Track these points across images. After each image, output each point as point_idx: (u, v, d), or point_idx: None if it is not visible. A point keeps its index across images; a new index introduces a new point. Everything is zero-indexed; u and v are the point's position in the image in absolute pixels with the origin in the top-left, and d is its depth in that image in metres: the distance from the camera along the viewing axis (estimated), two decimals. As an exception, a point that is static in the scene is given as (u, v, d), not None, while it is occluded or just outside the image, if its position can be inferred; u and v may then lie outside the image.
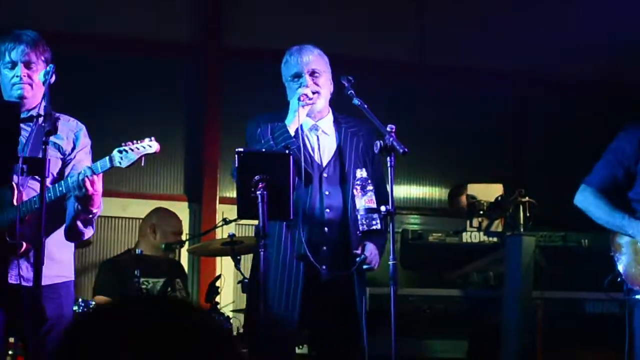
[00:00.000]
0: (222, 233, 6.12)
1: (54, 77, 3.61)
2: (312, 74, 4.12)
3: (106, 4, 6.84)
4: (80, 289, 6.57)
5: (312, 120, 4.15)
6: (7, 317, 3.69)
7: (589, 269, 5.38)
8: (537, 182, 7.13)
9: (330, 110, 4.22)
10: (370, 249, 3.98)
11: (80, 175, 3.52)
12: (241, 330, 5.27)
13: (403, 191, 7.21)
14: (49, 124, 3.36)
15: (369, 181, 3.91)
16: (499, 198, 5.77)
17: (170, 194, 6.84)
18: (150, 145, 3.62)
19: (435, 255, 5.74)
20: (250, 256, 4.95)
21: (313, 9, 7.26)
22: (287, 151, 3.85)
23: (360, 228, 3.86)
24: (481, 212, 5.69)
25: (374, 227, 3.84)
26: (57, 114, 3.56)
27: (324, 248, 3.97)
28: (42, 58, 3.76)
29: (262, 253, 3.66)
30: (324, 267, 3.95)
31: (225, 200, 6.73)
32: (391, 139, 3.78)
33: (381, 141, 3.81)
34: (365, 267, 3.97)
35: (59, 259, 3.74)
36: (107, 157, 3.57)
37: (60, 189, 3.57)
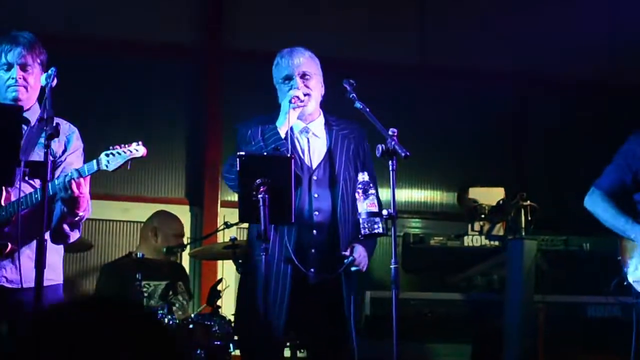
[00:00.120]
0: (224, 236, 6.11)
1: (55, 80, 3.58)
2: (303, 76, 4.11)
3: (106, 5, 6.83)
4: (82, 292, 6.56)
5: (303, 122, 4.15)
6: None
7: (590, 273, 5.39)
8: (538, 183, 7.13)
9: (322, 113, 4.22)
10: (359, 251, 3.98)
11: (66, 177, 3.53)
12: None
13: (404, 195, 7.19)
14: (51, 128, 3.35)
15: (371, 185, 3.90)
16: (501, 202, 5.78)
17: (172, 198, 6.82)
18: (137, 149, 3.63)
19: (437, 259, 5.74)
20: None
21: (313, 9, 7.25)
22: (288, 154, 3.84)
23: (362, 232, 3.84)
24: (483, 216, 5.69)
25: (376, 231, 3.82)
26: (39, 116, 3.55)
27: (313, 251, 3.98)
28: (38, 61, 3.75)
29: (263, 257, 3.66)
30: (312, 269, 3.95)
31: (226, 204, 6.71)
32: (393, 143, 3.77)
33: (383, 145, 3.79)
34: (353, 269, 3.96)
35: (47, 262, 3.72)
36: (94, 160, 3.59)
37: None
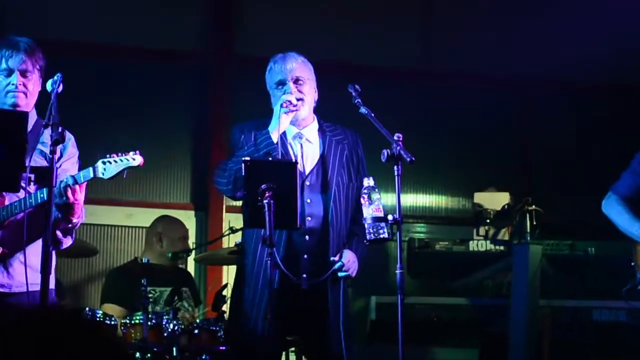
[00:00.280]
0: (229, 242, 6.11)
1: (61, 86, 3.57)
2: (296, 81, 4.09)
3: (115, 12, 6.84)
4: (87, 298, 6.58)
5: (297, 128, 4.13)
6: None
7: (596, 277, 5.39)
8: (545, 188, 7.12)
9: (316, 118, 4.20)
10: (348, 257, 3.98)
11: (62, 182, 3.51)
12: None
13: (409, 200, 7.18)
14: (57, 134, 3.35)
15: (376, 190, 3.89)
16: (506, 207, 5.77)
17: (177, 203, 6.82)
18: (134, 159, 3.62)
19: (442, 264, 5.74)
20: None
21: (319, 15, 7.26)
22: (293, 160, 3.84)
23: (368, 237, 3.83)
24: (488, 221, 5.69)
25: (382, 236, 3.82)
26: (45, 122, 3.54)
27: (305, 256, 3.97)
28: (38, 67, 3.73)
29: (268, 262, 3.65)
30: (304, 275, 3.95)
31: (231, 209, 6.70)
32: (398, 148, 3.76)
33: (388, 150, 3.79)
34: (341, 274, 3.96)
35: (38, 268, 3.72)
36: (90, 167, 3.57)
37: (42, 195, 3.53)
